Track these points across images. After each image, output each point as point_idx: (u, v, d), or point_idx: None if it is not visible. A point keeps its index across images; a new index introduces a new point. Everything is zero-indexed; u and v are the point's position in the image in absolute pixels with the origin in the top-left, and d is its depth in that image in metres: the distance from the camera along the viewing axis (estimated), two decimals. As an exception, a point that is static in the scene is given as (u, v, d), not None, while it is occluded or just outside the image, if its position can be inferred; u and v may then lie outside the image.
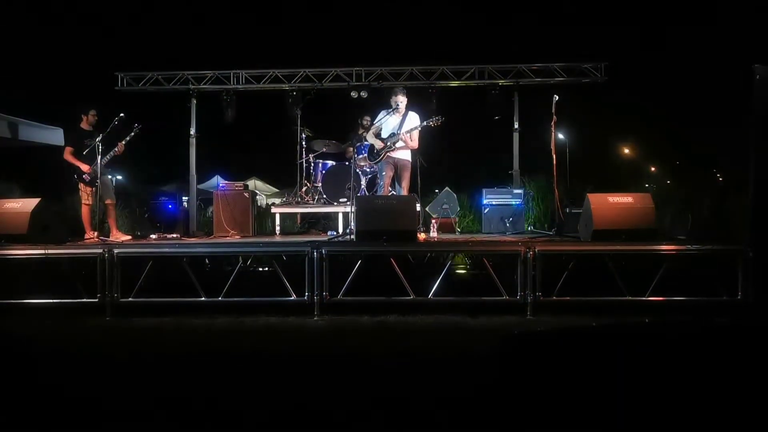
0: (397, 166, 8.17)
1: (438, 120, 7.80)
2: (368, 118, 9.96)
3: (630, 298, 6.21)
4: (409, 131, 7.95)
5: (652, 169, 24.25)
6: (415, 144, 8.08)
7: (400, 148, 8.08)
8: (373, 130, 8.29)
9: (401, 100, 8.07)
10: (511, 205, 9.46)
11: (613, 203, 6.74)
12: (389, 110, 8.14)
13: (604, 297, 6.20)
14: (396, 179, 8.22)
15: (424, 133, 8.14)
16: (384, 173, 8.21)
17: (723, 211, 7.99)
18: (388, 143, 8.09)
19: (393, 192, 8.19)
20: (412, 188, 8.22)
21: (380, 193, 8.33)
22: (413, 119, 8.12)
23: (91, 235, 7.96)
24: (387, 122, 8.20)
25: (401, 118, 8.11)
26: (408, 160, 8.19)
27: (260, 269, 8.42)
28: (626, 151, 26.93)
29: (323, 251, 6.39)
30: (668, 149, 22.56)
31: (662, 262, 6.27)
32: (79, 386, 3.79)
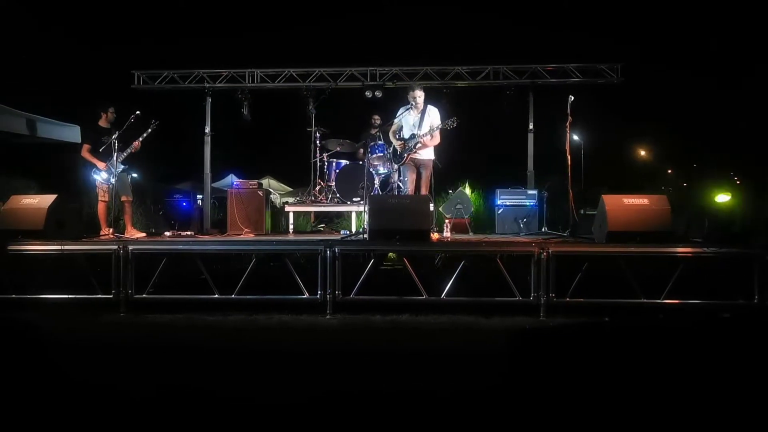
0: (418, 168, 8.07)
1: (453, 122, 7.71)
2: (378, 117, 9.94)
3: (645, 300, 6.15)
4: (429, 133, 7.82)
5: (669, 171, 24.06)
6: (437, 141, 7.93)
7: (421, 147, 7.94)
8: (393, 127, 8.16)
9: (419, 95, 7.95)
10: (525, 205, 9.42)
11: (628, 205, 6.67)
12: (408, 107, 8.02)
13: (618, 299, 6.15)
14: (416, 177, 8.10)
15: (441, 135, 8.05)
16: (407, 179, 8.10)
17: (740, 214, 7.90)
18: (408, 145, 7.97)
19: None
20: (429, 187, 8.11)
21: None
22: (433, 114, 7.97)
23: (106, 231, 8.03)
24: (406, 120, 8.07)
25: (420, 114, 7.97)
26: (430, 159, 8.03)
27: (273, 267, 8.43)
28: (642, 152, 26.71)
29: (336, 250, 6.39)
30: (685, 152, 22.35)
31: (678, 264, 6.20)
32: (90, 375, 3.83)
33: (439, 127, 7.79)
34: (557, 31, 15.67)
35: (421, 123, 7.95)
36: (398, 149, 8.06)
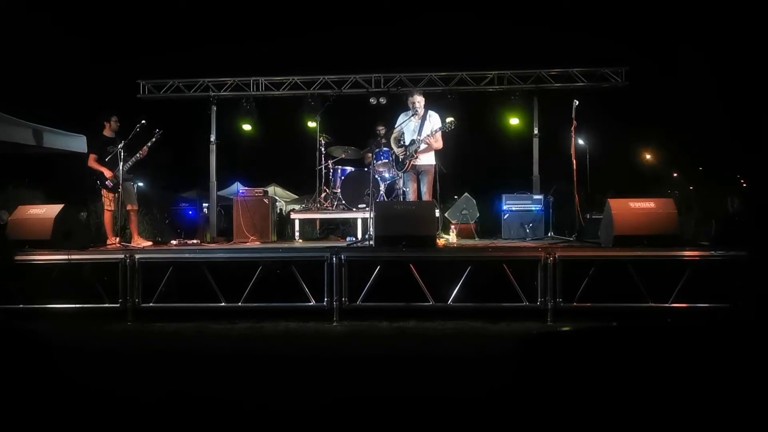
0: (418, 174, 8.00)
1: (452, 123, 7.62)
2: (382, 128, 9.95)
3: (652, 304, 6.11)
4: (431, 135, 7.73)
5: (675, 174, 23.99)
6: (439, 144, 7.86)
7: (422, 152, 7.86)
8: (394, 134, 8.10)
9: (418, 100, 7.87)
10: (531, 210, 9.40)
11: (634, 209, 6.65)
12: (408, 113, 7.98)
13: (625, 303, 6.12)
14: (417, 185, 8.06)
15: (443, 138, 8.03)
16: (408, 188, 8.05)
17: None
18: (409, 151, 7.91)
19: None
20: (432, 193, 8.09)
21: None
22: (434, 119, 7.90)
23: (113, 240, 8.05)
24: (407, 126, 8.00)
25: (420, 120, 7.87)
26: (430, 165, 7.95)
27: (279, 275, 8.42)
28: (648, 156, 26.65)
29: (342, 257, 6.38)
30: (691, 155, 22.30)
31: (685, 268, 6.17)
32: (100, 383, 3.83)
33: (439, 129, 7.75)
34: (561, 35, 15.68)
35: (421, 128, 7.86)
36: (399, 157, 8.02)
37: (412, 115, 7.90)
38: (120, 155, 7.75)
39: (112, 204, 8.09)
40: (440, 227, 8.50)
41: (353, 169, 10.00)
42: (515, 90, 10.77)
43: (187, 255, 7.00)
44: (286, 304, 6.50)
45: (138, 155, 7.98)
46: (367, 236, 7.62)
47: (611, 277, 6.25)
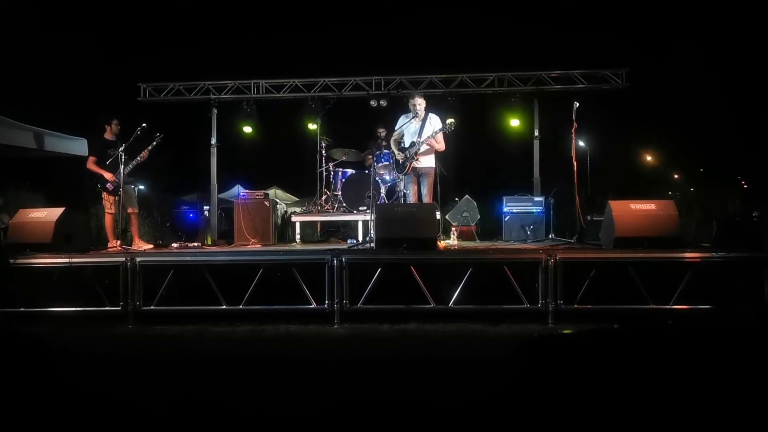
0: (419, 177, 8.02)
1: (452, 124, 7.63)
2: (382, 130, 9.96)
3: (654, 306, 6.11)
4: (431, 136, 7.76)
5: (675, 176, 23.98)
6: (441, 146, 7.88)
7: (422, 154, 7.89)
8: (395, 135, 8.13)
9: (419, 103, 7.92)
10: (532, 212, 9.40)
11: (635, 210, 6.64)
12: (408, 115, 8.01)
13: (626, 305, 6.11)
14: (418, 187, 8.08)
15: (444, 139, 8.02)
16: (408, 191, 8.05)
17: (748, 218, 7.86)
18: (408, 153, 7.95)
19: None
20: (433, 195, 8.09)
21: None
22: (434, 121, 7.93)
23: (114, 243, 8.05)
24: (408, 128, 8.03)
25: (421, 123, 7.91)
26: (431, 167, 7.98)
27: (280, 277, 8.42)
28: (648, 157, 26.63)
29: (343, 259, 6.38)
30: (691, 155, 22.29)
31: (686, 269, 6.16)
32: (102, 385, 3.83)
33: (440, 130, 7.74)
34: (561, 35, 15.69)
35: (421, 131, 7.90)
36: (399, 159, 8.03)
37: (413, 118, 7.93)
38: (121, 158, 7.75)
39: (112, 207, 8.09)
40: (441, 229, 8.50)
41: (354, 171, 10.01)
42: (515, 92, 10.77)
43: (188, 258, 7.00)
44: (287, 307, 6.50)
45: (138, 158, 7.98)
46: (367, 238, 7.62)
47: (612, 279, 6.25)
